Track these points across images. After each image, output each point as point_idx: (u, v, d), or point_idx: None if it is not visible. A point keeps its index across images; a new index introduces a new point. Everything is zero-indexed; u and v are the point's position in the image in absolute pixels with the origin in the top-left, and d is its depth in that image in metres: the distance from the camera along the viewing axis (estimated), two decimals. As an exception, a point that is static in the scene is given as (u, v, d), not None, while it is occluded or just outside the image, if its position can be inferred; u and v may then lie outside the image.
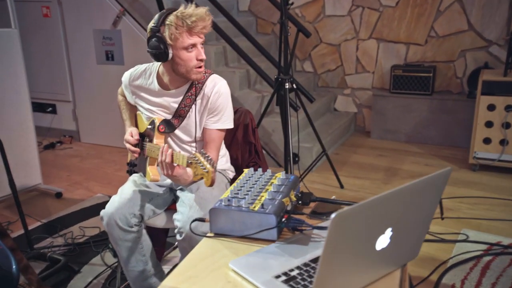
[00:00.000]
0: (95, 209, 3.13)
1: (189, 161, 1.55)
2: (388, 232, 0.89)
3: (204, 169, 1.43)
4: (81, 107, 4.75)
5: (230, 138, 2.15)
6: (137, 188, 1.87)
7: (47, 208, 3.18)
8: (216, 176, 1.93)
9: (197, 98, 1.85)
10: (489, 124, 3.45)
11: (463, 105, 4.08)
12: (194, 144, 1.94)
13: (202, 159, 1.49)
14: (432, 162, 3.84)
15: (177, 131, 1.90)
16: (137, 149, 1.95)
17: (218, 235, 1.18)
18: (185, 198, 1.79)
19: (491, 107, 3.41)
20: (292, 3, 2.83)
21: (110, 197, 3.32)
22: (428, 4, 4.19)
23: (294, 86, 2.89)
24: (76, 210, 3.11)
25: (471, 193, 3.19)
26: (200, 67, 1.75)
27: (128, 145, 1.95)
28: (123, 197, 1.81)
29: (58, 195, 3.35)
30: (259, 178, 1.30)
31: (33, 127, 3.28)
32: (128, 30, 4.19)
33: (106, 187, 3.55)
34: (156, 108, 1.91)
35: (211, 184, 1.42)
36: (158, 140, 1.89)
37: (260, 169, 1.35)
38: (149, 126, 1.91)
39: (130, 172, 2.09)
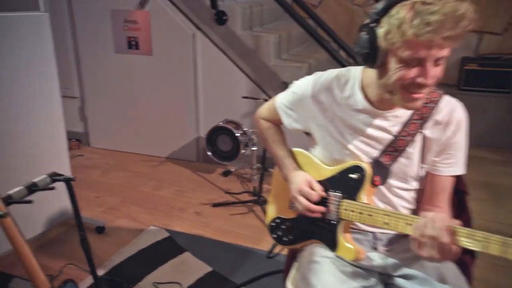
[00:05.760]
0: (158, 250, 2.40)
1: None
2: None
3: None
4: (91, 105, 3.90)
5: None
6: (342, 278, 1.20)
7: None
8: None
9: (425, 126, 1.21)
10: None
11: (547, 105, 3.62)
12: (410, 194, 1.30)
13: None
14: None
15: None
16: (321, 209, 1.28)
17: None
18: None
19: None
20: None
21: (167, 230, 2.72)
22: (510, -12, 3.66)
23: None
24: (133, 254, 2.37)
25: None
26: (415, 92, 1.08)
27: (304, 201, 1.28)
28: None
29: (100, 229, 2.58)
30: None
31: (65, 133, 2.48)
32: (159, 12, 3.38)
33: (155, 215, 2.80)
34: (354, 136, 1.25)
35: None
36: (369, 197, 1.24)
37: None
38: (353, 176, 1.25)
39: (287, 241, 1.43)
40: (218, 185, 3.21)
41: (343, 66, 2.92)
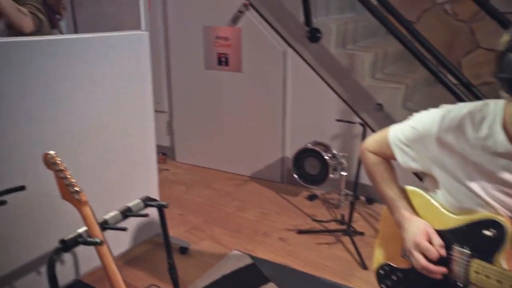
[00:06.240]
0: (242, 278, 2.30)
1: None
2: None
3: None
4: (178, 120, 3.94)
5: None
6: None
7: (174, 271, 2.37)
8: None
9: None
10: None
11: None
12: None
13: None
14: None
15: None
16: (443, 270, 1.08)
17: None
18: None
19: None
20: None
21: (251, 257, 2.60)
22: None
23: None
24: (216, 280, 2.29)
25: None
26: None
27: (421, 260, 1.10)
28: None
29: (184, 250, 2.54)
30: None
31: (155, 151, 2.48)
32: (251, 29, 3.33)
33: (238, 238, 2.71)
34: (491, 184, 1.04)
35: None
36: (511, 261, 1.02)
37: None
38: (487, 232, 1.04)
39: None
40: (303, 210, 3.06)
41: (447, 86, 2.66)
